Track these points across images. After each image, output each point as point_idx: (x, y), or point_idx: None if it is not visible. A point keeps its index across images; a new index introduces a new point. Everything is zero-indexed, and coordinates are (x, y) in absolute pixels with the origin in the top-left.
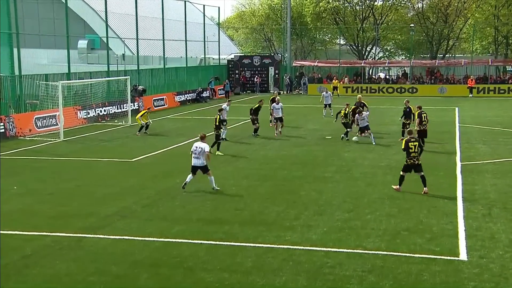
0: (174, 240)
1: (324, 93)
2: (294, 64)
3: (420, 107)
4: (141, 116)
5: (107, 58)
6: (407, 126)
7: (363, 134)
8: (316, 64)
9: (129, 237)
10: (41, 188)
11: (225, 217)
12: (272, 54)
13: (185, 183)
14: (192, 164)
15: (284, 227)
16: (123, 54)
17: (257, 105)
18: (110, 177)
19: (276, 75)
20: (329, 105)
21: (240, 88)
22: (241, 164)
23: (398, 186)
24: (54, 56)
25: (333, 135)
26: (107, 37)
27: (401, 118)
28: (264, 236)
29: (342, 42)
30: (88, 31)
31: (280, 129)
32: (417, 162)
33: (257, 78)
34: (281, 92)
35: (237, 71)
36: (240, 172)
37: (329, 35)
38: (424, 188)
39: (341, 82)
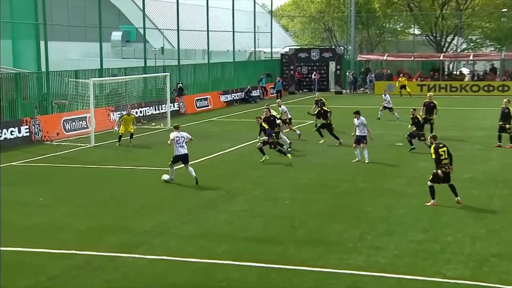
0: (219, 261)
1: (383, 96)
2: (358, 58)
3: None
4: (120, 122)
5: (144, 52)
6: (508, 130)
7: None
8: (384, 58)
9: (168, 257)
10: (70, 200)
11: (278, 235)
12: (333, 47)
13: (172, 179)
14: (179, 154)
15: (347, 249)
16: (162, 48)
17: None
18: (147, 188)
19: (338, 71)
20: (390, 108)
21: (295, 86)
22: (295, 174)
23: (432, 201)
24: (84, 50)
25: (405, 142)
26: (144, 28)
27: (500, 121)
28: (324, 259)
29: (416, 31)
30: (123, 21)
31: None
32: (448, 170)
33: (315, 75)
34: (344, 91)
35: (291, 67)
36: (295, 183)
37: (401, 24)
38: (457, 198)
39: (413, 79)
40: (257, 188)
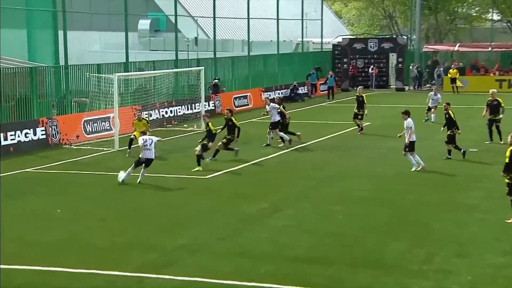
0: (260, 284)
1: (432, 94)
2: (424, 49)
3: None
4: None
5: (176, 43)
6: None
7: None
8: (456, 48)
9: (202, 279)
10: (91, 212)
11: (329, 255)
12: (395, 36)
13: (123, 181)
14: (145, 157)
15: (410, 272)
16: (196, 38)
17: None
18: (178, 199)
19: (400, 65)
20: (434, 107)
21: (349, 82)
22: (350, 184)
23: None
24: (108, 41)
25: (480, 148)
26: (175, 16)
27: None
28: (382, 283)
29: (495, 17)
30: (151, 8)
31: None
32: None
33: (372, 69)
34: (406, 88)
35: (345, 60)
36: (349, 194)
37: (476, 8)
38: None
39: (490, 74)
40: (305, 200)
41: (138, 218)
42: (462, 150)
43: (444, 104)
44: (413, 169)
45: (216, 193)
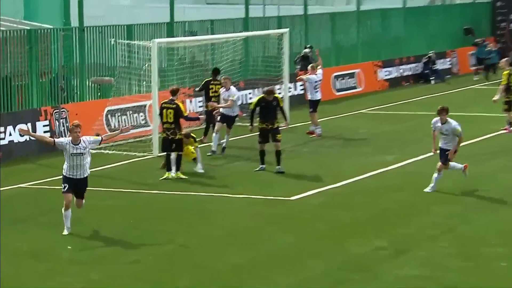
0: None
1: None
2: None
3: None
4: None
5: None
6: None
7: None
8: None
9: None
10: (117, 252)
11: None
12: None
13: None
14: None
15: None
16: None
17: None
18: (250, 232)
19: None
20: None
21: None
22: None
23: None
24: None
25: None
26: None
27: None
28: None
29: None
30: None
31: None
32: None
33: None
34: None
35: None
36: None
37: None
38: None
39: None
40: (444, 235)
41: (186, 259)
42: None
43: None
44: None
45: (307, 223)
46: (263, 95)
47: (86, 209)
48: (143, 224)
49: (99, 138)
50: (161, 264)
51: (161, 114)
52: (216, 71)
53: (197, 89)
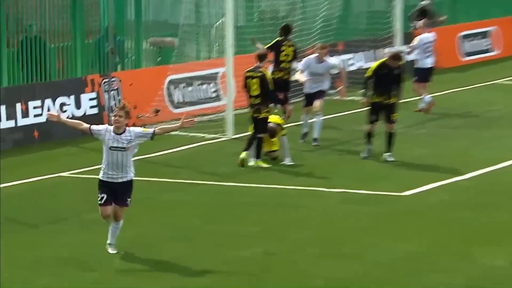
0: None
1: None
2: None
3: None
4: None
5: None
6: None
7: None
8: None
9: None
10: (181, 260)
11: None
12: None
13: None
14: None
15: None
16: None
17: None
18: (346, 236)
19: None
20: None
21: None
22: None
23: None
24: None
25: None
26: None
27: None
28: None
29: None
30: None
31: None
32: None
33: None
34: None
35: None
36: None
37: None
38: None
39: None
40: None
41: (271, 272)
42: None
43: None
44: None
45: (424, 226)
46: (385, 59)
47: (141, 205)
48: (213, 225)
49: (151, 131)
50: (239, 277)
51: (245, 86)
52: (287, 29)
53: (265, 46)
